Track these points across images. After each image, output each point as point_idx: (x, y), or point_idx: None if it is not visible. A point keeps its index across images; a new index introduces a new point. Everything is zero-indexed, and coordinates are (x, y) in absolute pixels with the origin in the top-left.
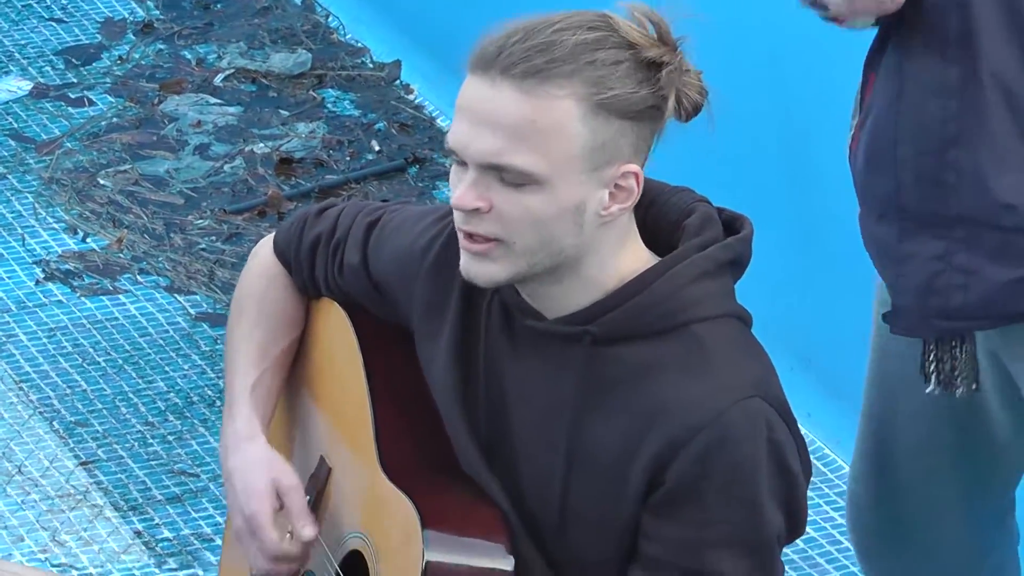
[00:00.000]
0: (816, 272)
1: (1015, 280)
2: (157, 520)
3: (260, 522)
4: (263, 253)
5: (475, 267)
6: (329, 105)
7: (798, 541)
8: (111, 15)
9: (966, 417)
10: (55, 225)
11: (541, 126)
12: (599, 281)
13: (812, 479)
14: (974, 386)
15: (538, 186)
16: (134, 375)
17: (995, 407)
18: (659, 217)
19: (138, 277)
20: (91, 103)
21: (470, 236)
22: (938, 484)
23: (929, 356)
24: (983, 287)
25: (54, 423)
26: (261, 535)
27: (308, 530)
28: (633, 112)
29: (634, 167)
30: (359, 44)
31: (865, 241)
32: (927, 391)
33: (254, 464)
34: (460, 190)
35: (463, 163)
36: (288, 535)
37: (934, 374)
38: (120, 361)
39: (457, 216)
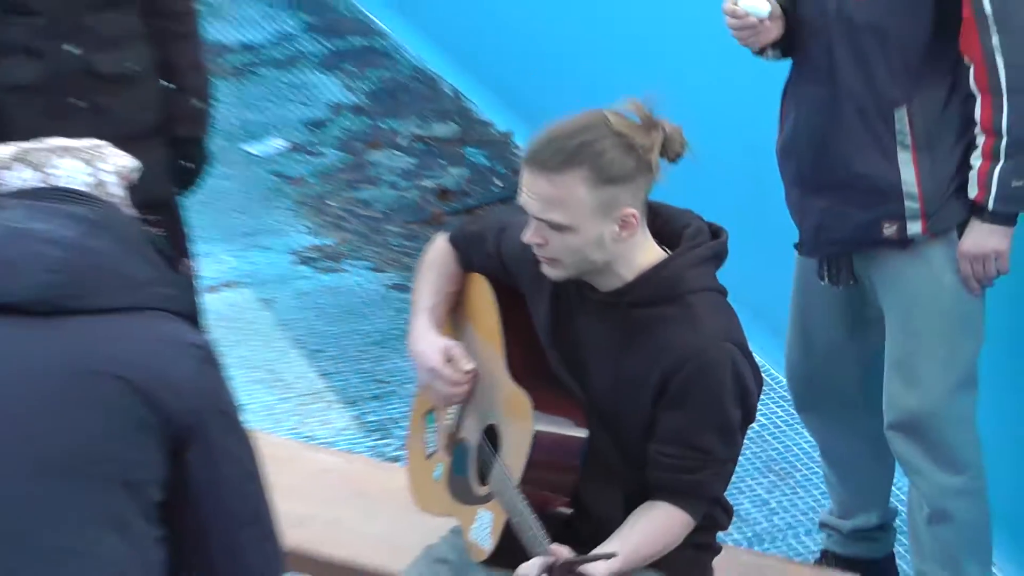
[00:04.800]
0: (766, 255)
1: (869, 221)
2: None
3: (435, 365)
4: (439, 241)
5: (548, 270)
6: (470, 157)
7: (756, 430)
8: (336, 100)
9: (856, 307)
10: (302, 229)
11: (563, 197)
12: (628, 271)
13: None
14: (852, 281)
15: (570, 230)
16: (351, 321)
17: (872, 302)
18: (667, 228)
19: (354, 262)
20: (323, 155)
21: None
22: (840, 348)
23: (824, 267)
24: (851, 225)
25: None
26: (438, 372)
27: (468, 363)
28: (626, 176)
29: (632, 210)
30: (486, 118)
31: (787, 205)
32: (822, 285)
33: (430, 343)
34: (527, 233)
35: None
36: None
37: (827, 277)
38: (344, 311)
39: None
